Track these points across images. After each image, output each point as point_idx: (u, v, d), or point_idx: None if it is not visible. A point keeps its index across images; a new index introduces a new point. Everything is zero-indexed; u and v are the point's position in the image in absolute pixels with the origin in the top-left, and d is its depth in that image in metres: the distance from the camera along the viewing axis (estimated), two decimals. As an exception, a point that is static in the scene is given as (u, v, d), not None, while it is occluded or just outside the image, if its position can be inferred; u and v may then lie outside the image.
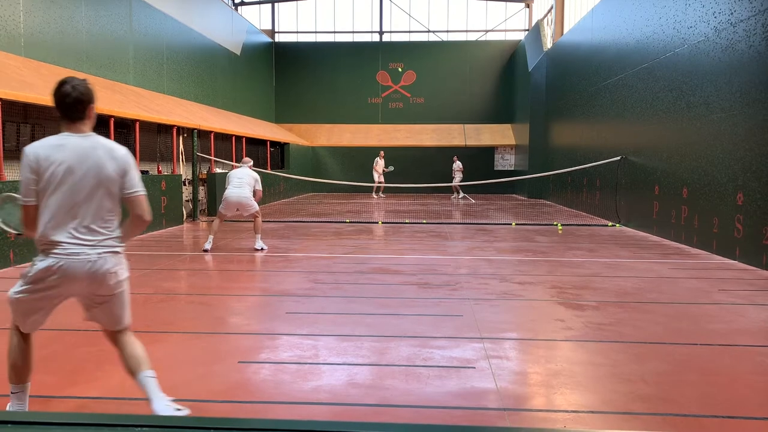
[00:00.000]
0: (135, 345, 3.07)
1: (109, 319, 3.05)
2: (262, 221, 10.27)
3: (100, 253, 2.88)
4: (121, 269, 2.99)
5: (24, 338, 3.05)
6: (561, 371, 3.95)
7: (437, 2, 27.77)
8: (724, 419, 3.25)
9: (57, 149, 2.87)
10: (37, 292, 2.89)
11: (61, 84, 2.94)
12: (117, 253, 2.97)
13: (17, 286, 2.94)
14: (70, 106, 2.93)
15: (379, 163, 22.54)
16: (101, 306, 3.00)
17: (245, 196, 9.17)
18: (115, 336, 3.09)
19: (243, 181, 9.23)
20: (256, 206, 9.34)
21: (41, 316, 3.01)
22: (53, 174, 2.82)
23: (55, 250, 2.83)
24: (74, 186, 2.84)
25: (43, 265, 2.84)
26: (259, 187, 9.47)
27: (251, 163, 9.73)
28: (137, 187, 3.00)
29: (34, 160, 2.85)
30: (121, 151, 3.01)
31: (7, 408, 3.06)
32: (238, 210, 9.26)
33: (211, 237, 9.25)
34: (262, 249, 9.22)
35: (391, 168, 22.64)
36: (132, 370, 3.01)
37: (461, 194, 22.73)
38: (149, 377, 2.98)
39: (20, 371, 3.01)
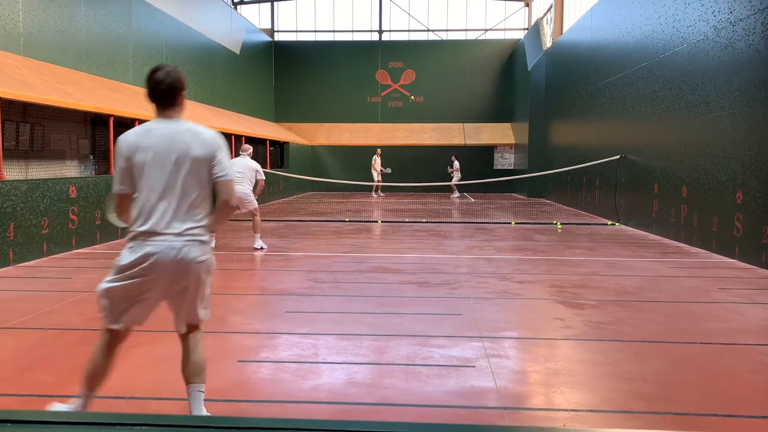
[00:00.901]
0: (199, 351, 3.03)
1: (188, 312, 2.99)
2: (262, 220, 10.26)
3: (186, 241, 2.82)
4: (208, 258, 2.93)
5: (109, 344, 2.98)
6: (560, 370, 3.95)
7: (436, 1, 27.75)
8: (724, 418, 3.26)
9: (146, 136, 2.85)
10: (127, 280, 2.83)
11: (154, 71, 2.90)
12: (203, 242, 2.90)
13: (108, 276, 2.91)
14: (163, 93, 2.89)
15: (377, 161, 22.55)
16: (182, 297, 2.93)
17: (244, 192, 8.99)
18: (186, 332, 3.04)
19: (244, 176, 9.00)
20: (255, 203, 9.23)
21: (133, 310, 2.91)
22: (142, 161, 2.80)
23: (143, 238, 2.80)
24: (162, 172, 2.80)
25: (131, 252, 2.81)
26: (261, 176, 9.24)
27: (251, 150, 9.41)
28: (226, 171, 2.91)
29: (125, 148, 2.84)
30: (210, 134, 2.94)
31: (65, 406, 2.98)
32: (237, 206, 9.22)
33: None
34: (261, 248, 9.16)
35: (388, 170, 22.66)
36: (187, 376, 2.98)
37: (457, 193, 22.73)
38: (199, 392, 2.97)
39: (92, 377, 2.92)
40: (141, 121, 11.81)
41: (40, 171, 10.02)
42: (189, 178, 2.83)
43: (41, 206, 8.24)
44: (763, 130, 7.73)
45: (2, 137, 8.17)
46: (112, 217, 3.31)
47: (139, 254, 2.78)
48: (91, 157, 11.74)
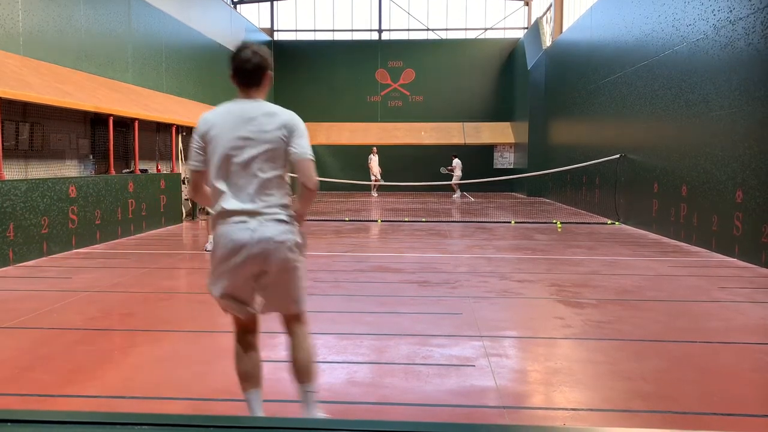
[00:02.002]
0: (305, 349, 2.89)
1: (280, 301, 2.85)
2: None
3: (262, 221, 2.72)
4: (289, 238, 2.76)
5: (243, 342, 2.93)
6: (560, 369, 3.96)
7: (436, 0, 27.74)
8: (724, 416, 3.26)
9: (224, 115, 2.79)
10: (220, 265, 2.77)
11: (241, 49, 2.82)
12: (282, 221, 2.76)
13: (209, 272, 2.86)
14: (250, 72, 2.80)
15: (374, 160, 22.54)
16: (275, 284, 2.80)
17: None
18: (288, 324, 2.93)
19: None
20: None
21: (241, 295, 2.81)
22: (217, 138, 2.74)
23: (221, 220, 2.76)
24: (237, 151, 2.72)
25: (215, 236, 2.81)
26: None
27: None
28: (303, 150, 2.77)
29: (203, 125, 2.79)
30: (289, 113, 2.83)
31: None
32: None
33: (211, 237, 9.07)
34: None
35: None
36: (296, 377, 2.89)
37: (457, 192, 22.74)
38: (309, 392, 2.87)
39: (244, 375, 2.90)
40: (141, 121, 11.81)
41: (39, 171, 10.02)
42: (265, 157, 2.73)
43: (41, 206, 8.24)
44: (762, 129, 7.73)
45: (2, 137, 8.16)
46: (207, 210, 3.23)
47: (220, 236, 2.76)
48: (91, 157, 11.74)
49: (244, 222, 2.71)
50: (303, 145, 2.78)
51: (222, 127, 2.74)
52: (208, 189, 2.85)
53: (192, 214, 14.09)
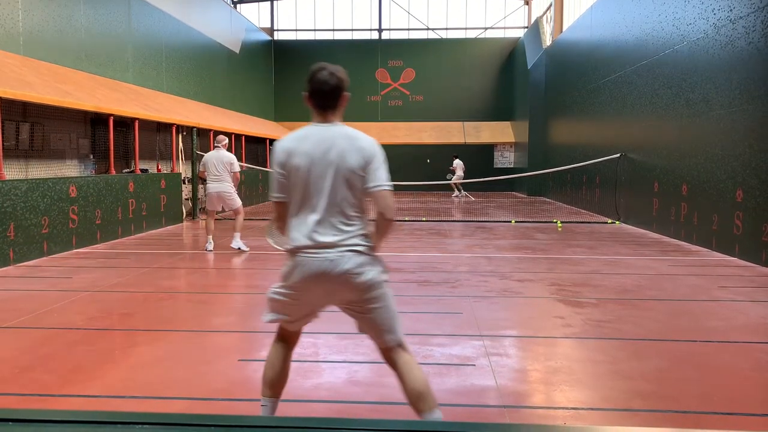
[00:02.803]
0: (414, 374, 2.67)
1: (373, 331, 2.73)
2: (262, 219, 10.21)
3: (340, 252, 2.59)
4: (368, 270, 2.62)
5: (282, 347, 2.86)
6: (560, 368, 3.96)
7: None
8: (724, 416, 3.26)
9: (302, 141, 2.66)
10: (286, 296, 2.69)
11: (318, 70, 2.69)
12: (361, 252, 2.63)
13: (275, 285, 2.78)
14: (327, 94, 2.68)
15: None
16: (362, 315, 2.71)
17: (226, 191, 8.66)
18: (388, 355, 2.74)
19: (221, 174, 8.63)
20: (238, 202, 8.83)
21: (299, 319, 2.77)
22: (296, 167, 2.62)
23: (299, 251, 2.63)
24: (315, 179, 2.61)
25: (288, 267, 2.67)
26: (237, 168, 8.78)
27: (226, 141, 8.85)
28: (381, 181, 2.64)
29: (281, 153, 2.67)
30: (368, 140, 2.69)
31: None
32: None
33: (210, 237, 8.92)
34: (240, 249, 8.72)
35: None
36: (414, 408, 2.66)
37: (456, 192, 22.74)
38: (436, 420, 2.65)
39: (269, 382, 2.82)
40: (141, 121, 11.82)
41: (40, 170, 10.02)
42: (343, 186, 2.61)
43: (41, 206, 8.24)
44: (763, 128, 7.73)
45: (2, 137, 8.17)
46: (272, 234, 3.10)
47: (295, 268, 2.63)
48: (91, 157, 11.75)
49: (323, 253, 2.60)
50: (381, 175, 2.65)
51: (302, 154, 2.63)
52: (288, 220, 2.74)
53: (192, 214, 14.09)
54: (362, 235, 2.67)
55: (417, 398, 2.64)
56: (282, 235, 2.83)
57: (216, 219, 9.44)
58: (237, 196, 8.86)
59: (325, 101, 2.69)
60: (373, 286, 2.64)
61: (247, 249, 8.81)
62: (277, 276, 2.81)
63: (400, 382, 2.70)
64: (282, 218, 2.77)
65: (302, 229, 2.63)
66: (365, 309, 2.67)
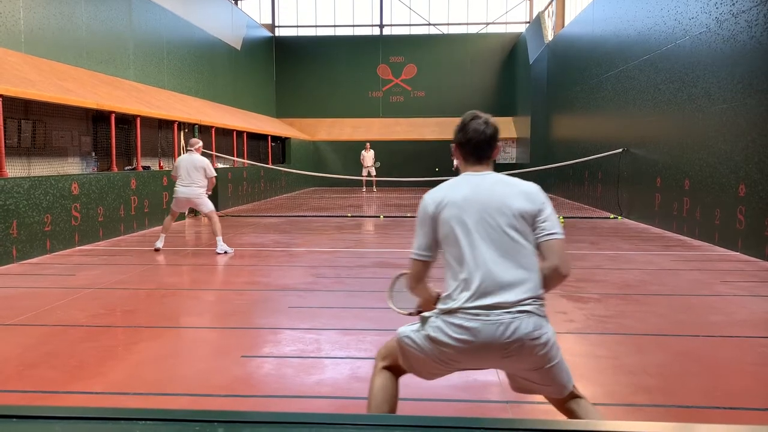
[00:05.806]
0: (594, 417, 2.45)
1: (547, 390, 2.44)
2: (264, 216, 10.19)
3: (516, 314, 2.26)
4: (546, 334, 2.32)
5: (392, 379, 2.57)
6: (563, 363, 3.96)
7: (437, -5, 27.69)
8: (726, 410, 3.26)
9: (454, 189, 2.43)
10: (428, 357, 2.38)
11: (472, 119, 2.50)
12: (539, 315, 2.32)
13: (410, 331, 2.45)
14: (483, 144, 2.48)
15: (366, 157, 22.52)
16: (530, 380, 2.42)
17: (195, 194, 8.43)
18: (562, 405, 2.51)
19: (191, 178, 8.40)
20: (208, 205, 8.58)
21: (435, 369, 2.45)
22: (454, 218, 2.37)
23: (462, 313, 2.29)
24: (479, 232, 2.33)
25: (446, 328, 2.31)
26: (211, 173, 8.53)
27: (200, 145, 8.63)
28: (555, 229, 2.38)
29: (432, 205, 2.42)
30: (532, 186, 2.45)
31: None
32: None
33: (163, 236, 8.66)
34: (225, 252, 8.37)
35: (378, 164, 22.67)
36: None
37: None
38: None
39: (374, 409, 2.54)
40: (142, 118, 11.81)
41: (42, 168, 10.04)
42: (513, 237, 2.33)
43: (44, 203, 8.25)
44: (765, 123, 7.71)
45: (4, 134, 8.18)
46: (398, 296, 2.80)
47: (455, 332, 2.28)
48: (93, 154, 11.76)
49: (493, 315, 2.26)
50: (555, 223, 2.39)
51: (458, 205, 2.37)
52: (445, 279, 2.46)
53: (194, 211, 14.10)
54: (537, 293, 2.36)
55: None
56: (414, 297, 2.61)
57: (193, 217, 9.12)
58: (207, 199, 8.64)
59: (481, 152, 2.49)
60: (552, 351, 2.36)
61: (232, 251, 8.50)
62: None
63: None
64: (421, 279, 2.53)
65: (469, 289, 2.31)
66: (537, 373, 2.37)
